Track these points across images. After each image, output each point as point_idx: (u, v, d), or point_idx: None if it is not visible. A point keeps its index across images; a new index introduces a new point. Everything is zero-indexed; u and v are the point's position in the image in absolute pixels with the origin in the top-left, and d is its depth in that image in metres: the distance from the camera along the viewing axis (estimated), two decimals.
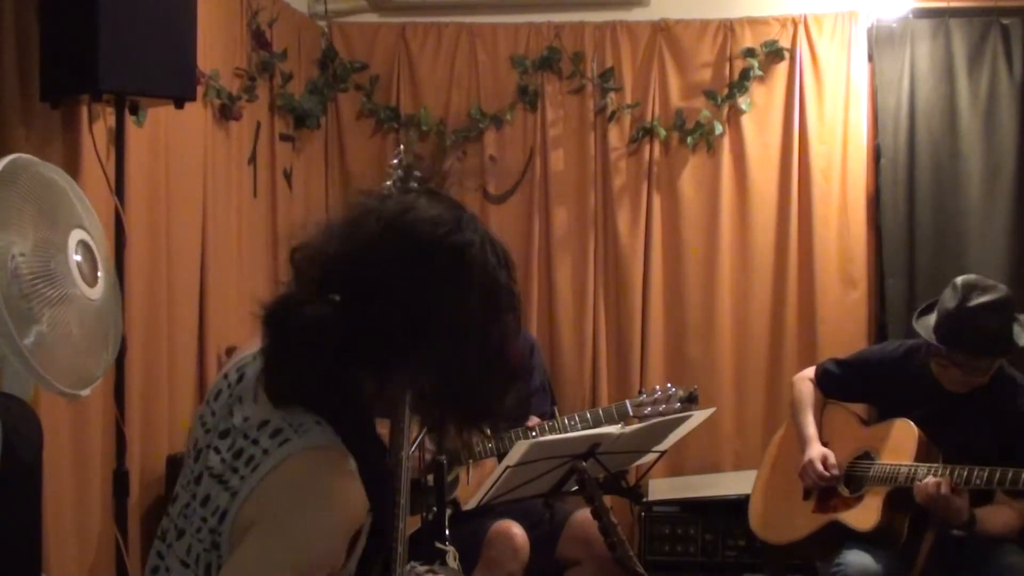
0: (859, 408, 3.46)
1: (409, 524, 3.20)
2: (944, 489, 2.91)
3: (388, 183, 1.96)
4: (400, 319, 1.42)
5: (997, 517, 3.03)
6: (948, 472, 2.95)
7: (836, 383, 3.43)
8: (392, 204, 1.47)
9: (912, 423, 3.14)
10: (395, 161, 2.04)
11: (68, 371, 2.47)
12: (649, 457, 3.05)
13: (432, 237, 1.43)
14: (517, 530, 3.32)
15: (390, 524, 1.63)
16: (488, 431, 1.33)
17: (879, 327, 4.35)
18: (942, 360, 3.07)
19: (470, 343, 1.44)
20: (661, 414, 3.61)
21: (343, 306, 1.41)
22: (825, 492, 3.26)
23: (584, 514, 3.42)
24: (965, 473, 2.93)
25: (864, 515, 3.12)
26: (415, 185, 1.93)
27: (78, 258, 2.48)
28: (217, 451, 1.45)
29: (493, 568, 3.28)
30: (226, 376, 1.55)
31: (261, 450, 1.40)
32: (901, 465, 3.08)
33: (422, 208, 1.46)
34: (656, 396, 3.64)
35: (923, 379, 3.19)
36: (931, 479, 2.95)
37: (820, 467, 3.22)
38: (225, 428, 1.47)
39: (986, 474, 2.91)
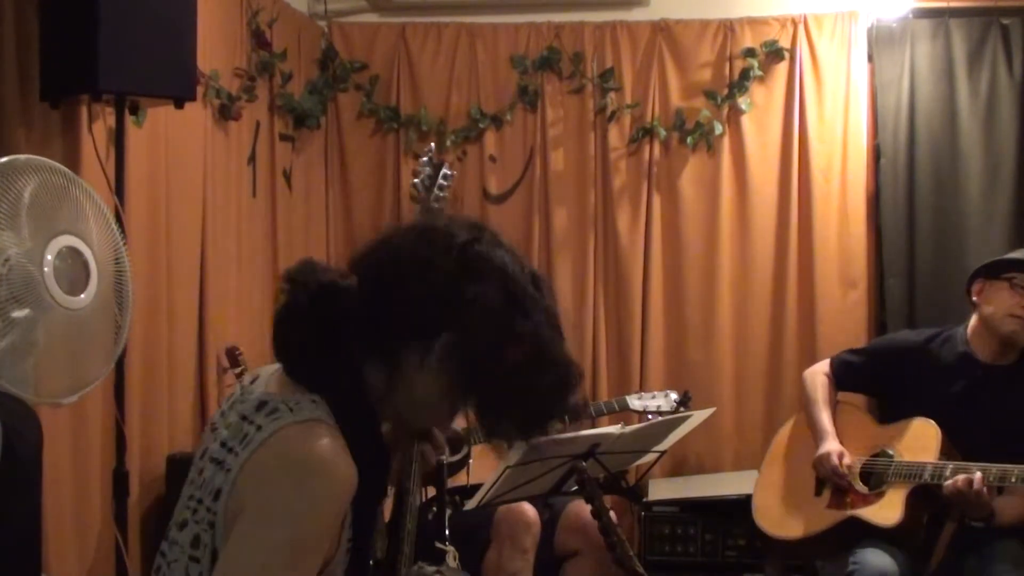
0: (869, 408, 3.46)
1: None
2: (977, 486, 2.91)
3: (416, 180, 2.00)
4: (407, 308, 1.45)
5: (1014, 508, 3.04)
6: (980, 469, 2.94)
7: (855, 372, 3.39)
8: (427, 215, 1.54)
9: (933, 422, 3.13)
10: (424, 159, 2.07)
11: (47, 379, 2.46)
12: (649, 457, 3.05)
13: (452, 237, 1.48)
14: (527, 506, 3.31)
15: (379, 521, 1.63)
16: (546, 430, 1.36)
17: (879, 327, 4.35)
18: (1001, 282, 3.13)
19: (488, 339, 1.44)
20: (658, 410, 3.65)
21: (357, 286, 1.46)
22: (839, 489, 3.24)
23: (580, 504, 3.42)
24: (997, 471, 2.93)
25: (887, 511, 3.09)
26: (443, 183, 2.00)
27: (48, 270, 2.43)
28: (221, 439, 1.49)
29: (506, 544, 3.27)
30: (241, 382, 1.61)
31: (255, 427, 1.44)
32: (927, 463, 3.06)
33: (453, 220, 1.53)
34: (654, 395, 3.70)
35: (949, 360, 3.21)
36: (964, 475, 2.95)
37: (836, 460, 3.21)
38: (231, 420, 1.50)
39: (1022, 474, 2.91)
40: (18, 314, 2.35)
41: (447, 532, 2.91)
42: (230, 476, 1.42)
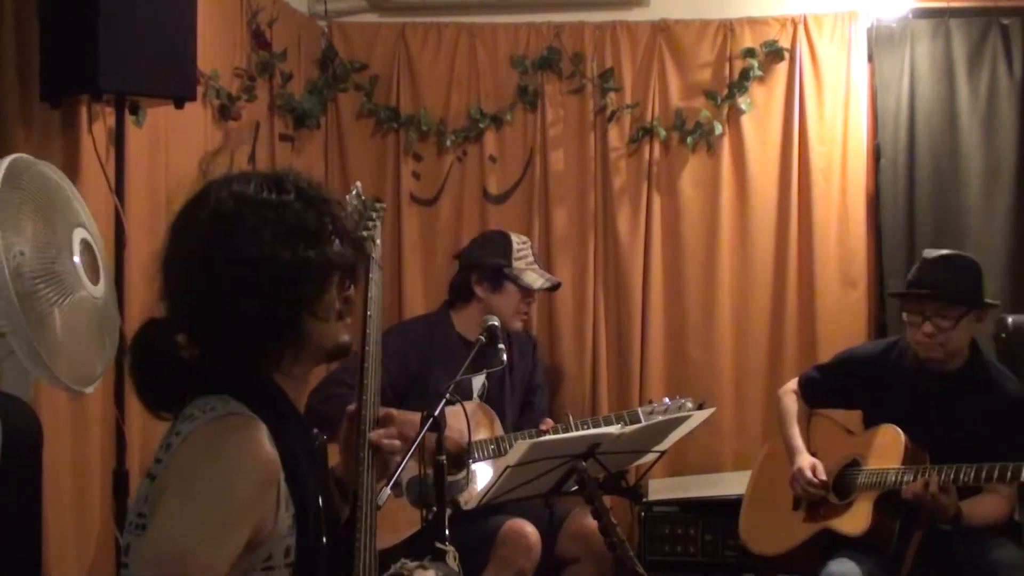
0: (845, 418, 3.47)
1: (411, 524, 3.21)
2: (932, 488, 2.94)
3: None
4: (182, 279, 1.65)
5: (983, 508, 3.07)
6: (936, 471, 2.98)
7: (819, 389, 3.46)
8: None
9: (897, 428, 3.16)
10: (351, 194, 2.09)
11: (73, 369, 2.48)
12: (649, 457, 3.06)
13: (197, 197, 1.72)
14: (530, 529, 3.32)
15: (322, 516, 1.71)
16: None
17: (879, 327, 4.35)
18: (912, 315, 3.13)
19: (252, 270, 1.59)
20: None
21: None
22: (815, 502, 3.27)
23: (583, 512, 3.43)
24: (952, 472, 2.96)
25: (854, 520, 3.13)
26: (373, 215, 2.04)
27: (77, 259, 2.48)
28: (157, 459, 1.59)
29: (504, 566, 3.28)
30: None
31: (176, 434, 1.56)
32: (889, 470, 3.10)
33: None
34: (667, 406, 3.67)
35: (906, 370, 3.25)
36: (920, 480, 2.97)
37: (809, 474, 3.24)
38: (167, 441, 1.60)
39: (972, 471, 2.95)
40: (64, 310, 2.39)
41: (447, 532, 2.91)
42: (156, 482, 1.54)
